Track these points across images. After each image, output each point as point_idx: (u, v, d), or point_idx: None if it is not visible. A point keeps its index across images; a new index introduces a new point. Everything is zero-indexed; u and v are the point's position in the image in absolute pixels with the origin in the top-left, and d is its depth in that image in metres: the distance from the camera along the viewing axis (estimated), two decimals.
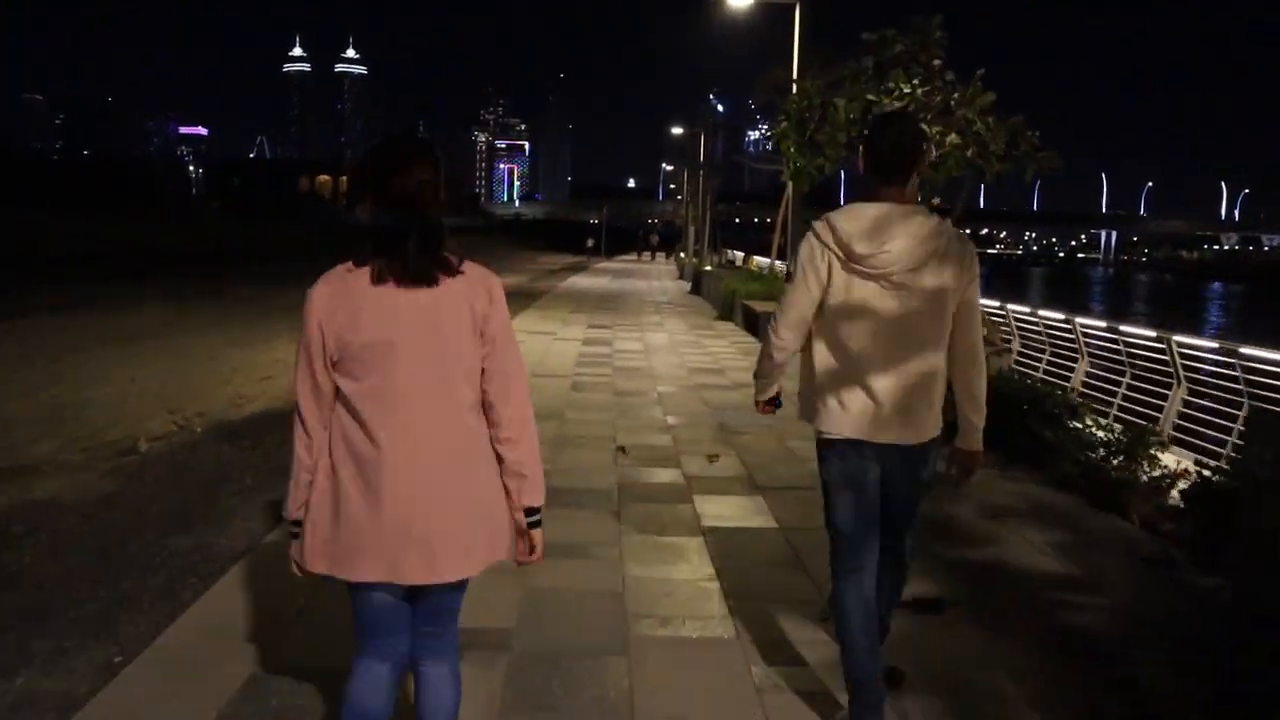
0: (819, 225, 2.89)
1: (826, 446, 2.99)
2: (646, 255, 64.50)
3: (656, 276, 40.18)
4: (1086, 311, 17.14)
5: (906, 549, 3.17)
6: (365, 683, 2.35)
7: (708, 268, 29.10)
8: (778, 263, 25.50)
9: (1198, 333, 10.57)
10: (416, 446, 2.21)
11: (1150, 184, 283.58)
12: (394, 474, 2.20)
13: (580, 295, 26.09)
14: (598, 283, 33.58)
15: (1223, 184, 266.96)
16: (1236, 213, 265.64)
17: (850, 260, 2.81)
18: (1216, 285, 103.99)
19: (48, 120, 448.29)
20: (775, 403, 3.23)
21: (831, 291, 2.86)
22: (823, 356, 2.95)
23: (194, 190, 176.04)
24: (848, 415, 2.90)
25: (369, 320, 2.18)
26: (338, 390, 2.25)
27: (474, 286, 2.26)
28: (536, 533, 2.39)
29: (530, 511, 2.37)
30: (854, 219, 2.81)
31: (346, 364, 2.21)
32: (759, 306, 15.72)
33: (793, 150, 9.20)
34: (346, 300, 2.19)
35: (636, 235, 72.31)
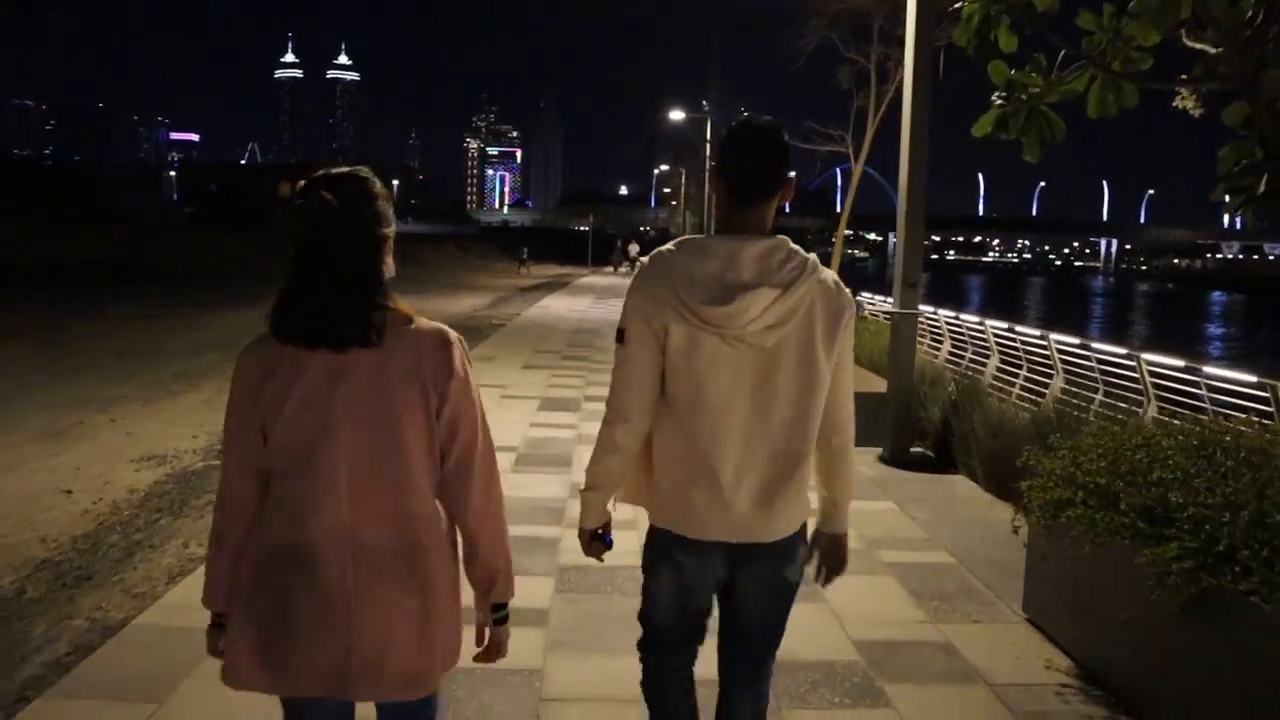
0: (650, 264, 2.28)
1: (654, 539, 2.42)
2: (626, 268, 52.11)
3: None
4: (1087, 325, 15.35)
5: (766, 688, 2.55)
6: None
7: None
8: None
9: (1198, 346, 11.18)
10: (357, 542, 1.92)
11: (1151, 192, 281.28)
12: (332, 576, 1.90)
13: (549, 328, 20.15)
14: (576, 306, 27.29)
15: (1225, 194, 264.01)
16: (1238, 221, 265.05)
17: (693, 315, 2.19)
18: (1218, 294, 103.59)
19: (38, 125, 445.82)
20: (605, 538, 2.46)
21: (670, 353, 2.25)
22: (658, 433, 2.33)
23: (174, 196, 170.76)
24: (688, 508, 2.31)
25: (300, 392, 1.88)
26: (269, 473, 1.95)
27: (424, 350, 1.94)
28: (502, 630, 2.12)
29: (498, 608, 2.11)
30: (698, 258, 2.23)
31: (276, 443, 1.91)
32: None
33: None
34: (275, 366, 1.89)
35: (613, 245, 59.82)
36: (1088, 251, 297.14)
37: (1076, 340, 9.11)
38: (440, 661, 2.02)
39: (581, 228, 71.18)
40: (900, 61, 16.50)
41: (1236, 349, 42.80)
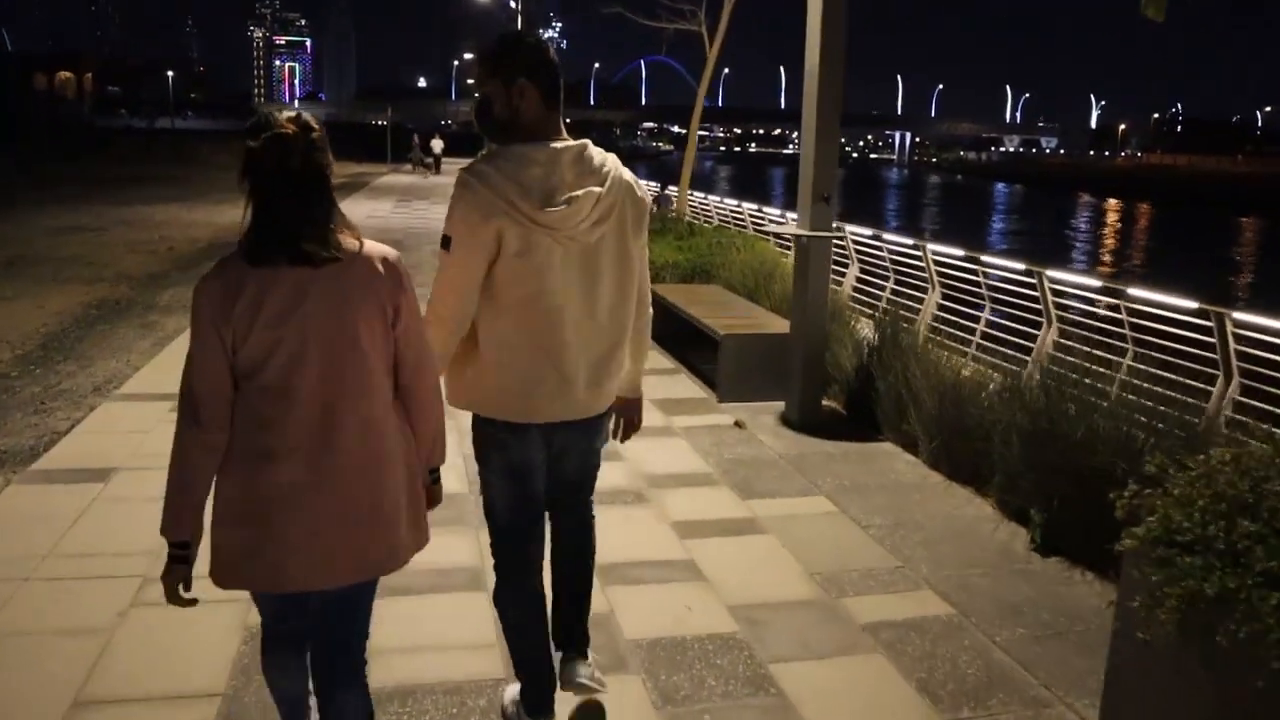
0: (474, 178, 2.40)
1: (487, 429, 2.62)
2: (424, 169, 45.45)
3: None
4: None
5: (590, 510, 2.95)
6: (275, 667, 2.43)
7: None
8: (671, 191, 18.37)
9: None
10: (326, 446, 2.13)
11: (941, 87, 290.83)
12: (305, 480, 2.12)
13: None
14: (376, 212, 23.92)
15: (1007, 88, 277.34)
16: (1019, 115, 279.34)
17: (527, 218, 2.37)
18: (1000, 186, 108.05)
19: None
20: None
21: (505, 255, 2.41)
22: (491, 332, 2.50)
23: None
24: (529, 397, 2.53)
25: (269, 310, 2.06)
26: (237, 390, 2.12)
27: (377, 269, 2.16)
28: (437, 488, 2.44)
29: (431, 471, 2.40)
30: (521, 166, 2.40)
31: (246, 362, 2.09)
32: (687, 304, 8.21)
33: None
34: (241, 290, 2.06)
35: (412, 144, 49.23)
36: (880, 145, 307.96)
37: (962, 253, 8.07)
38: (403, 551, 2.29)
39: (380, 122, 65.78)
40: None
41: (1041, 240, 44.30)
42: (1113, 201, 78.81)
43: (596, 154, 2.49)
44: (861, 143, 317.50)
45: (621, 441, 2.94)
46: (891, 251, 9.32)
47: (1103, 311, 6.82)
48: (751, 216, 14.51)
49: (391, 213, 23.75)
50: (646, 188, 3.14)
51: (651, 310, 2.76)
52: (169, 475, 2.10)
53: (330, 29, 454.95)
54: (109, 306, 10.46)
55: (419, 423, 2.29)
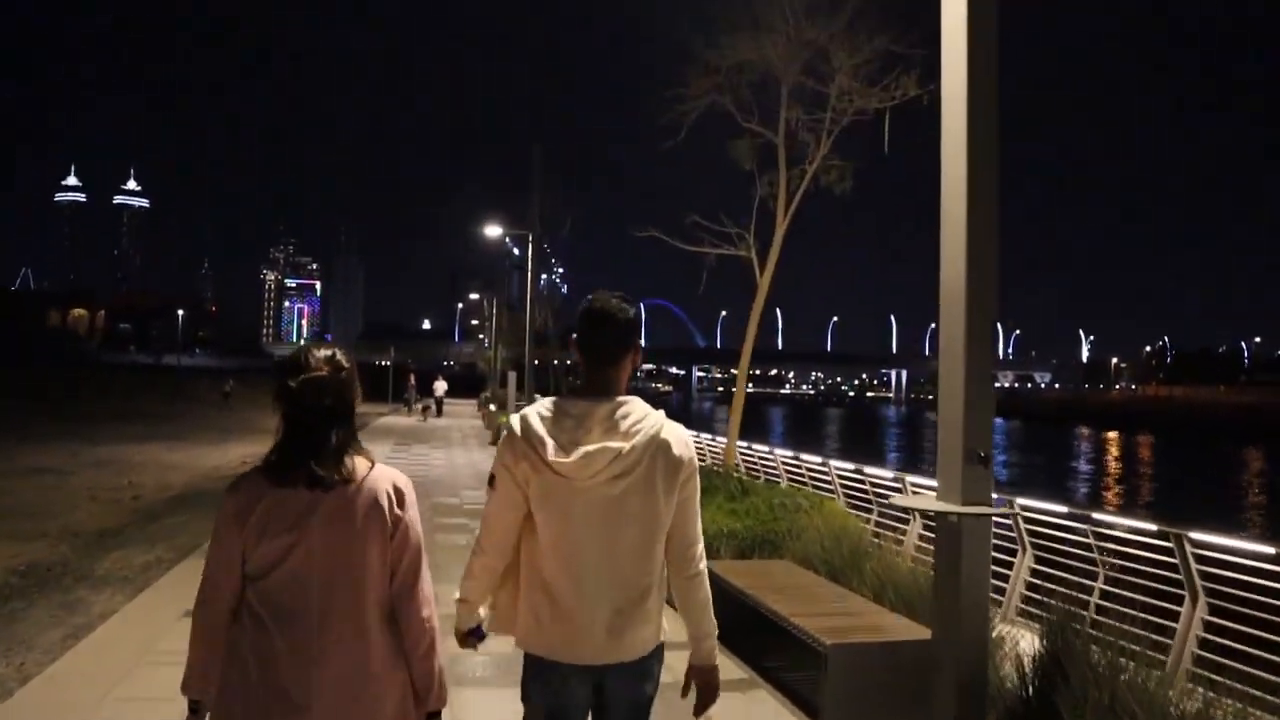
0: (519, 419, 2.66)
1: (529, 666, 2.69)
2: (421, 411, 40.73)
3: (460, 442, 28.18)
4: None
5: None
6: None
7: None
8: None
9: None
10: (324, 657, 2.26)
11: (934, 326, 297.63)
12: (301, 684, 2.23)
13: None
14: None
15: (998, 325, 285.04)
16: (1010, 352, 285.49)
17: (545, 466, 2.54)
18: (999, 421, 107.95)
19: None
20: (478, 632, 2.77)
21: (532, 499, 2.59)
22: (527, 570, 2.67)
23: None
24: (548, 634, 2.61)
25: (282, 523, 2.26)
26: (243, 594, 2.31)
27: (383, 490, 2.36)
28: None
29: (432, 715, 2.45)
30: (556, 416, 2.60)
31: (255, 569, 2.28)
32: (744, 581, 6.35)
33: None
34: (258, 502, 2.29)
35: (405, 384, 44.67)
36: (875, 382, 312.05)
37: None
38: None
39: (383, 362, 64.93)
40: (824, 132, 11.67)
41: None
42: (1112, 434, 78.64)
43: (635, 412, 2.60)
44: (856, 381, 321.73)
45: (697, 715, 2.84)
46: (1097, 536, 6.73)
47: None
48: (812, 472, 11.94)
49: (388, 458, 21.53)
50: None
51: (704, 569, 2.73)
52: (191, 635, 2.34)
53: (338, 272, 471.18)
54: (36, 574, 8.55)
55: (409, 643, 2.39)
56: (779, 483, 12.03)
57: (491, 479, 2.62)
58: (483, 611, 2.76)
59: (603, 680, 2.63)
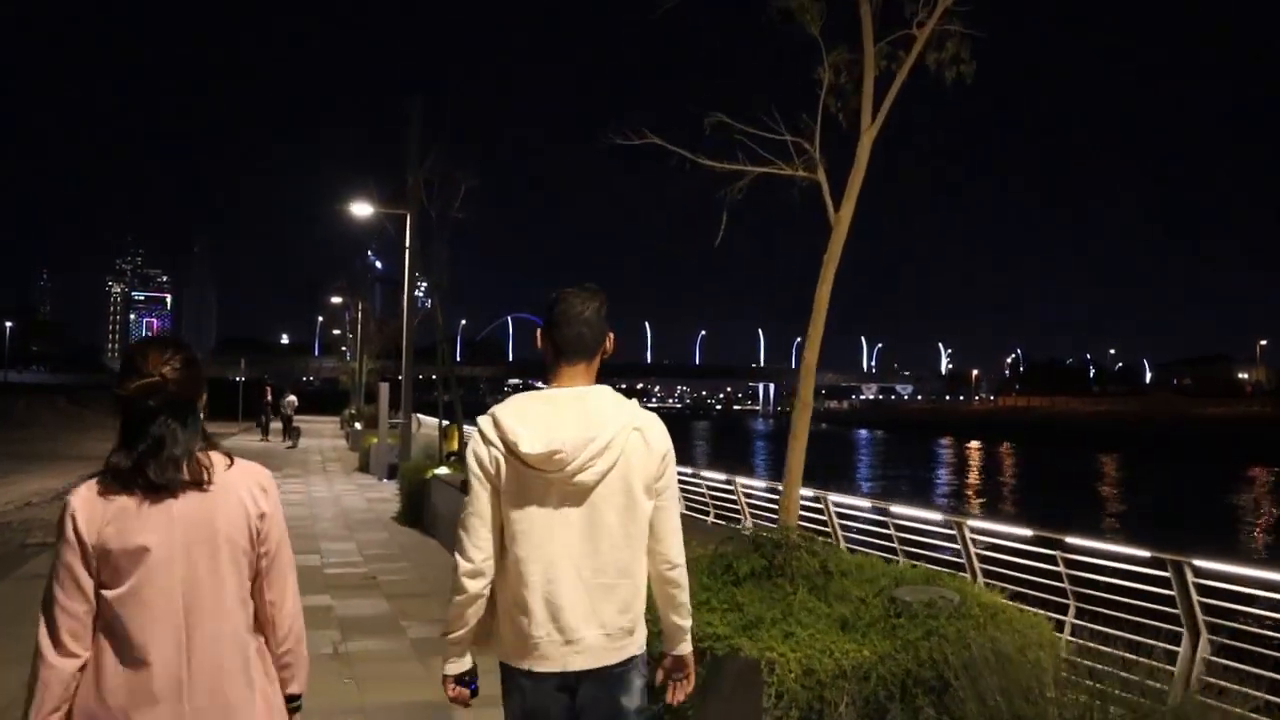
0: (484, 421, 2.54)
1: (507, 677, 2.60)
2: (279, 431, 35.90)
3: (319, 469, 24.02)
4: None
5: None
6: None
7: (439, 470, 13.93)
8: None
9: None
10: (194, 668, 2.17)
11: (800, 339, 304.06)
12: (170, 691, 2.14)
13: None
14: None
15: (862, 339, 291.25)
16: (873, 364, 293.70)
17: (519, 460, 2.47)
18: (863, 432, 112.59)
19: None
20: (468, 682, 2.61)
21: (504, 495, 2.52)
22: (501, 576, 2.56)
23: None
24: (526, 641, 2.51)
25: (135, 534, 2.14)
26: (98, 606, 2.16)
27: (245, 487, 2.28)
28: (297, 717, 2.42)
29: (292, 698, 2.39)
30: (527, 408, 2.54)
31: (109, 579, 2.15)
32: None
33: None
34: (106, 511, 2.15)
35: (262, 402, 38.64)
36: (740, 395, 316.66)
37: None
38: None
39: (238, 378, 60.71)
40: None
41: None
42: (974, 444, 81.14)
43: (607, 403, 2.54)
44: (722, 395, 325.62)
45: (675, 704, 2.81)
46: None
47: None
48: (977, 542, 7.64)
49: None
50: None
51: (684, 569, 2.68)
52: (29, 694, 2.10)
53: (190, 284, 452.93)
54: None
55: (273, 627, 2.32)
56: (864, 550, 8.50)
57: (464, 484, 2.57)
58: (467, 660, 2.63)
59: (577, 688, 2.54)
